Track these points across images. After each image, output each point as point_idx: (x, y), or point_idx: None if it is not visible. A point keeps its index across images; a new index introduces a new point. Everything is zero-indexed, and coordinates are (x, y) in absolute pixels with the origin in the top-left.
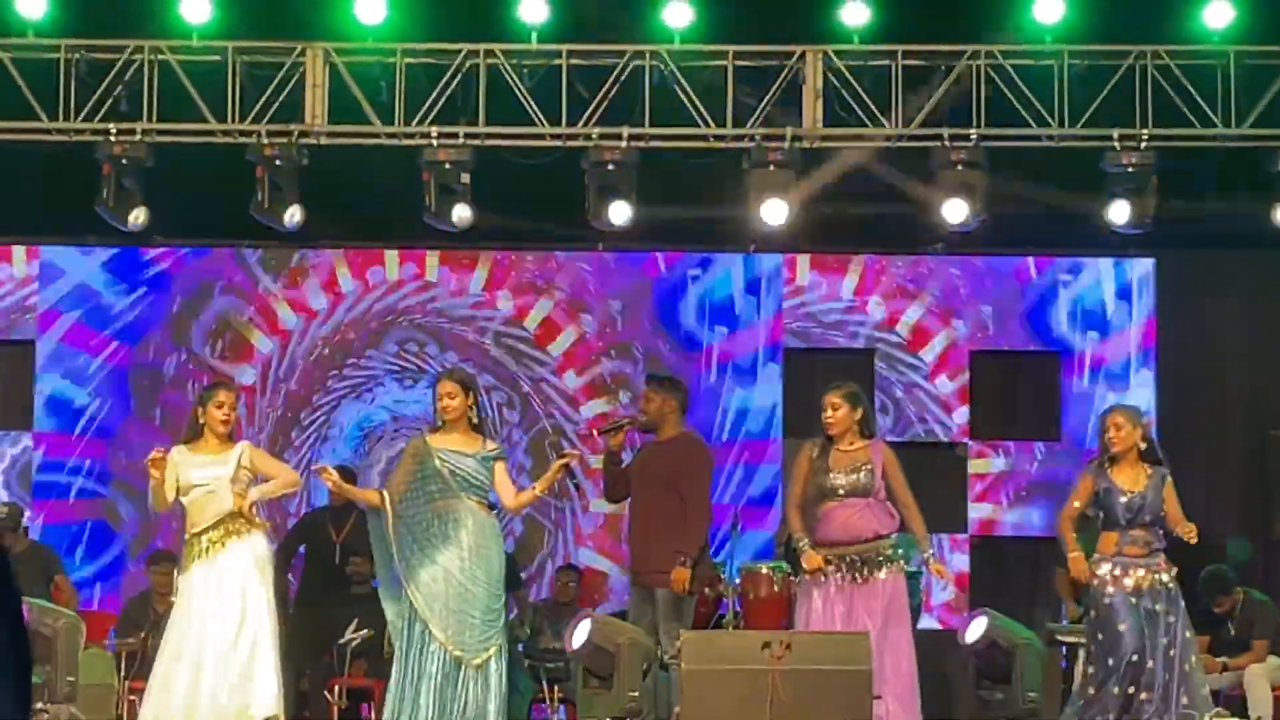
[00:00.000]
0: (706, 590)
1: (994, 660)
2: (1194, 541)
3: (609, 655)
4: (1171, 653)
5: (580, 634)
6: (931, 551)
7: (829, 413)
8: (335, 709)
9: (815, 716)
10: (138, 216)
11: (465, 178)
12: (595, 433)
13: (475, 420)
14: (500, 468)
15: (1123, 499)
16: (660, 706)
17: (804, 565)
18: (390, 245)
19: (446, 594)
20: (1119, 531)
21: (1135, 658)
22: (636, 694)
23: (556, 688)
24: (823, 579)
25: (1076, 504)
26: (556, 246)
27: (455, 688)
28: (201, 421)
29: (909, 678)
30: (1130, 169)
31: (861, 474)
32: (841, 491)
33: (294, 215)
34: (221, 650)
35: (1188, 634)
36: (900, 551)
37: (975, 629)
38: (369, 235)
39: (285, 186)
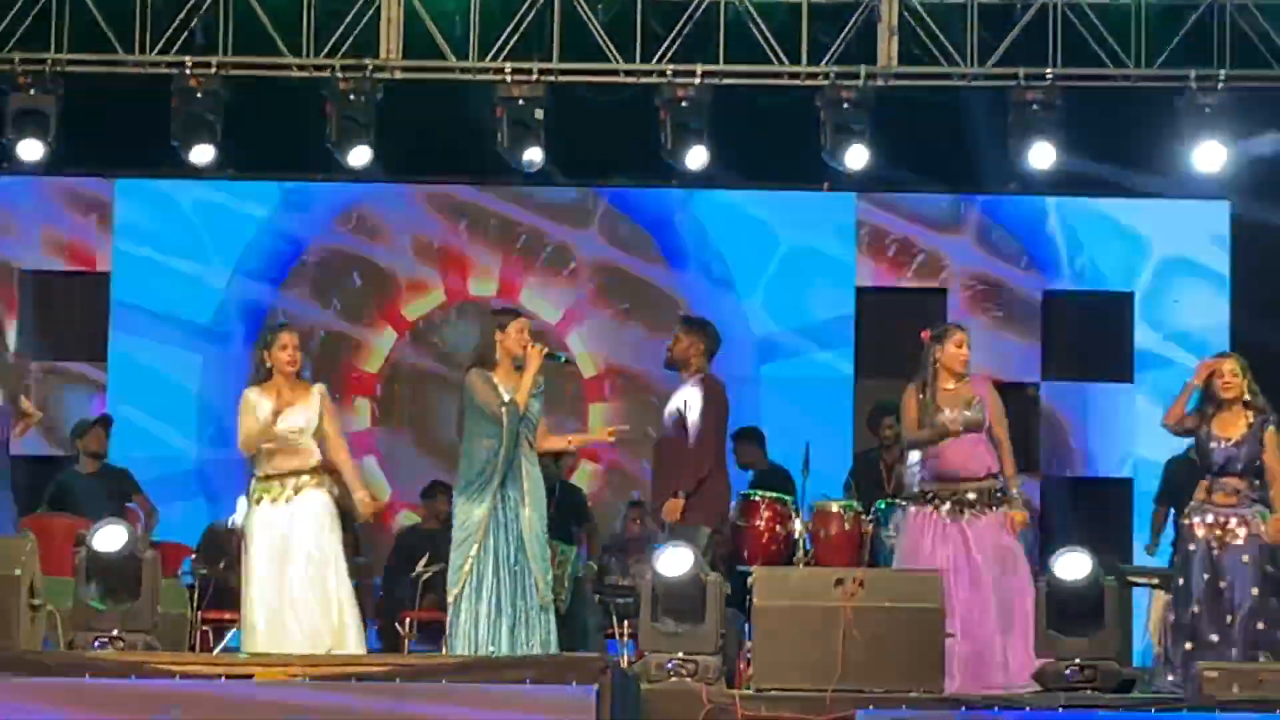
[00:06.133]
0: (778, 528)
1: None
2: None
3: (684, 592)
4: (1267, 602)
5: (681, 561)
6: (1017, 495)
7: (964, 350)
8: (406, 641)
9: (887, 653)
10: (206, 152)
11: (539, 114)
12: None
13: None
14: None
15: (1214, 445)
16: None
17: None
18: (463, 182)
19: (520, 535)
20: (1210, 479)
21: (1197, 609)
22: (725, 633)
23: (626, 623)
24: (933, 518)
25: (1181, 411)
26: (631, 184)
27: (525, 628)
28: (268, 365)
29: (1027, 619)
30: (1207, 110)
31: (974, 409)
32: (960, 428)
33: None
34: (314, 591)
35: None
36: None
37: (1079, 566)
38: (442, 171)
39: (360, 121)
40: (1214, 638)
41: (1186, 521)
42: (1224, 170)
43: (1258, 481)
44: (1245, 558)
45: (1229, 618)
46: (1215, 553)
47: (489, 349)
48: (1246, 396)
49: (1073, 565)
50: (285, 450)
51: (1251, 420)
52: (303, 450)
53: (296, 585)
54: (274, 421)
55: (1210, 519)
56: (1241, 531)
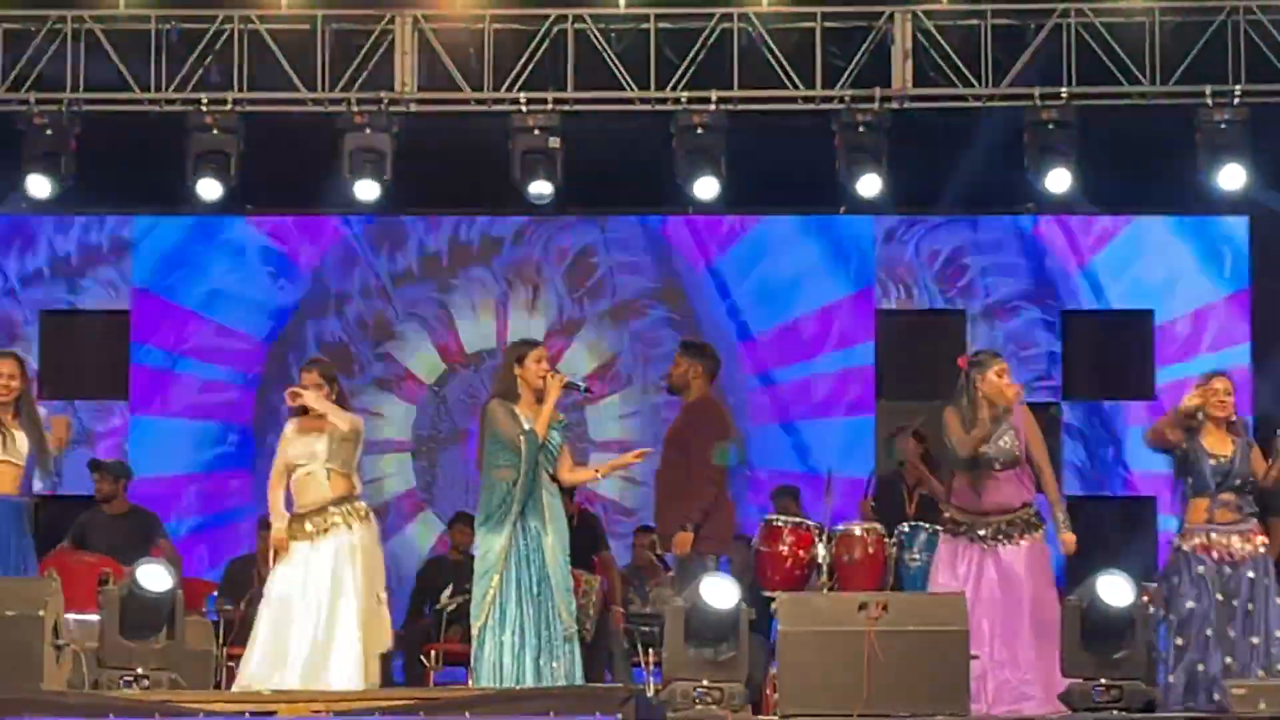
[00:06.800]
0: (800, 553)
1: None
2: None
3: (715, 619)
4: (1267, 616)
5: (728, 594)
6: (1064, 519)
7: (1005, 379)
8: (431, 673)
9: (912, 677)
10: (214, 188)
11: (554, 143)
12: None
13: None
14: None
15: (1211, 462)
16: None
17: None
18: (479, 213)
19: (543, 565)
20: (1209, 497)
21: (1210, 631)
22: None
23: (651, 651)
24: (963, 548)
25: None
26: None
27: (551, 658)
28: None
29: (1050, 645)
30: (1224, 126)
31: (1007, 440)
32: (998, 465)
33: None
34: (310, 625)
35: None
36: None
37: (1122, 591)
38: (458, 203)
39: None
40: (1228, 660)
41: (1189, 543)
42: (1244, 186)
43: (1250, 497)
44: (1251, 574)
45: (1232, 633)
46: (1227, 572)
47: (509, 382)
48: (1233, 417)
49: (1114, 589)
50: (302, 482)
51: (1234, 438)
52: (318, 480)
53: (303, 621)
54: (293, 456)
55: (1215, 538)
56: (1246, 548)
